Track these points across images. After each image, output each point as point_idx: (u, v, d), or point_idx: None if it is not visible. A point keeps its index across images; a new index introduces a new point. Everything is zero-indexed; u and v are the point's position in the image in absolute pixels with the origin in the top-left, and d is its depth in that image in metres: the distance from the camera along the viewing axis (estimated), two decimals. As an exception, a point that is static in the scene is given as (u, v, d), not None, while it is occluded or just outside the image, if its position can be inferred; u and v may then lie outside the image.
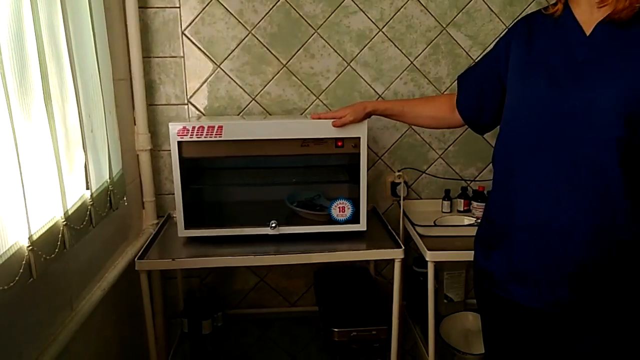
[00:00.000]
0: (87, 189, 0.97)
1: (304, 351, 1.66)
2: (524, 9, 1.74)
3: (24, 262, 0.74)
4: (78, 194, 0.93)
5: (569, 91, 0.93)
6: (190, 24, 1.68)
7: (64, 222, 0.84)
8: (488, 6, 1.74)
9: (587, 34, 0.96)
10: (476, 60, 1.29)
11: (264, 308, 1.90)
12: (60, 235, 0.83)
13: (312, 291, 1.90)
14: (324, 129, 1.43)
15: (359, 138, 1.44)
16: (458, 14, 1.74)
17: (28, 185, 0.75)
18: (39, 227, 0.80)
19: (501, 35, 1.15)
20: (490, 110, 1.15)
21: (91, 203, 0.97)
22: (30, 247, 0.75)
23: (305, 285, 1.91)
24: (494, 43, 1.72)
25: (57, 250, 0.82)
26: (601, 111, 0.90)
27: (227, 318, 1.80)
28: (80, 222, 0.91)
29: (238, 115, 1.76)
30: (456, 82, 1.26)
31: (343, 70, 1.76)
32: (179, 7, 1.66)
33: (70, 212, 0.87)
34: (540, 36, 1.02)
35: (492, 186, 1.11)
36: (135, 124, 1.65)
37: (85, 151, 0.95)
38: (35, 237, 0.76)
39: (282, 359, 1.62)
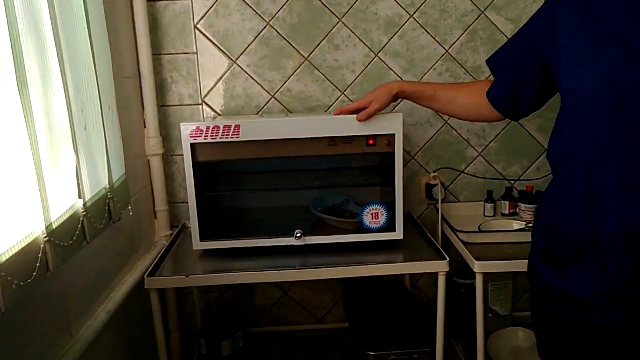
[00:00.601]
0: (80, 197, 0.82)
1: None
2: (572, -12, 1.56)
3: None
4: (67, 203, 0.79)
5: None
6: (204, 17, 1.54)
7: (46, 239, 0.69)
8: (528, -15, 1.56)
9: None
10: (507, 40, 1.08)
11: (289, 325, 1.74)
12: (40, 255, 0.68)
13: (341, 305, 1.73)
14: (352, 126, 1.27)
15: (394, 135, 1.28)
16: (496, -3, 1.57)
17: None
18: (9, 247, 0.64)
19: (539, 7, 0.95)
20: (528, 97, 1.00)
21: (84, 214, 0.82)
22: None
23: (333, 300, 1.75)
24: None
25: (35, 274, 0.67)
26: None
27: (249, 337, 1.64)
28: (69, 237, 0.77)
29: (257, 114, 1.61)
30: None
31: (371, 62, 1.60)
32: (191, 0, 1.53)
33: (55, 226, 0.73)
34: (603, 1, 0.81)
35: (552, 189, 0.91)
36: (145, 127, 1.51)
37: (76, 152, 0.80)
38: (3, 260, 0.61)
39: (311, 383, 1.46)
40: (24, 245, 0.67)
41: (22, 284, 0.64)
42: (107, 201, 0.93)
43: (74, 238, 0.78)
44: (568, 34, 0.84)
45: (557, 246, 0.88)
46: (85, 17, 0.87)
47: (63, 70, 0.77)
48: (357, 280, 1.68)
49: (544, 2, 1.56)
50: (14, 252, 0.64)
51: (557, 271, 0.87)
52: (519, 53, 0.98)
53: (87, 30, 0.87)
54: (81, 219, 0.82)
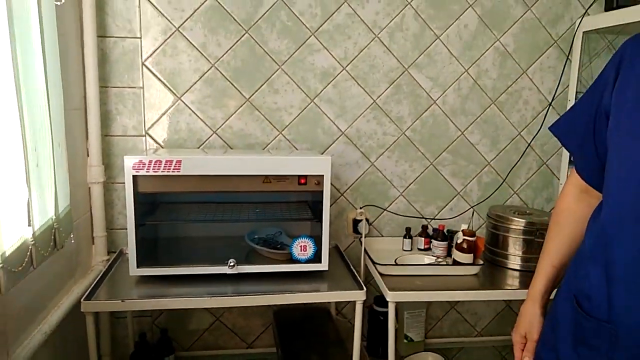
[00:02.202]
0: (29, 225, 0.89)
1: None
2: (482, 54, 1.81)
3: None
4: (18, 233, 0.86)
5: None
6: (151, 55, 1.64)
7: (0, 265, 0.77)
8: (448, 50, 1.79)
9: None
10: (576, 103, 0.96)
11: (220, 350, 1.81)
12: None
13: (271, 331, 1.83)
14: (286, 166, 1.41)
15: (323, 175, 1.43)
16: (419, 56, 1.78)
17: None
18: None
19: (609, 61, 0.86)
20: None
21: (33, 243, 0.89)
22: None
23: (264, 325, 1.85)
24: (454, 84, 1.77)
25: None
26: None
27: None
28: (18, 264, 0.84)
29: (198, 148, 1.71)
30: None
31: (307, 107, 1.76)
32: (140, 38, 1.62)
33: (7, 254, 0.80)
34: None
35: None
36: (88, 155, 1.57)
37: (28, 187, 0.88)
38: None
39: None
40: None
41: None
42: (53, 230, 1.00)
43: (23, 264, 0.85)
44: (625, 92, 0.79)
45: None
46: (43, 63, 0.96)
47: (21, 115, 0.85)
48: (286, 308, 1.79)
49: (463, 73, 1.77)
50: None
51: None
52: (593, 112, 0.88)
53: (44, 75, 0.96)
54: (30, 247, 0.89)
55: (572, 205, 0.98)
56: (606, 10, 1.66)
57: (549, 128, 1.02)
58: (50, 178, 0.98)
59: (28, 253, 0.87)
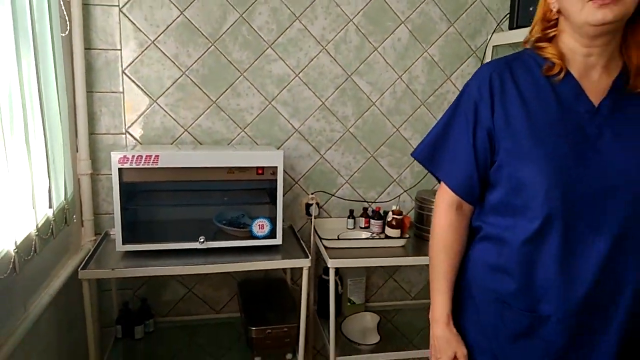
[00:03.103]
0: (50, 207, 1.18)
1: (227, 351, 1.90)
2: (413, 63, 2.15)
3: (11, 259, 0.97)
4: (44, 212, 1.15)
5: (597, 160, 0.93)
6: (130, 64, 1.91)
7: (36, 234, 1.06)
8: (384, 59, 2.13)
9: (595, 103, 0.96)
10: (435, 130, 1.09)
11: (192, 315, 2.12)
12: (33, 242, 1.04)
13: (236, 299, 2.15)
14: (246, 159, 1.72)
15: (276, 167, 1.74)
16: (360, 65, 2.11)
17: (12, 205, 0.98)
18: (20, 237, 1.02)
19: (464, 91, 1.04)
20: (485, 176, 1.03)
21: (53, 219, 1.18)
22: (16, 250, 0.97)
23: (229, 295, 2.16)
24: (389, 88, 2.09)
25: (31, 252, 1.03)
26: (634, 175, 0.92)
27: (158, 325, 2.01)
28: (46, 233, 1.13)
29: (172, 144, 2.00)
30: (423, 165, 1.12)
31: (265, 108, 2.06)
32: (120, 50, 1.89)
33: (39, 226, 1.09)
34: (531, 98, 0.97)
35: None
36: (77, 151, 1.84)
37: (49, 177, 1.17)
38: (18, 242, 0.98)
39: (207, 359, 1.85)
40: (25, 235, 1.04)
41: (26, 258, 1.01)
42: (65, 211, 1.28)
43: (47, 235, 1.14)
44: (510, 123, 0.96)
45: None
46: (56, 88, 1.25)
47: (44, 122, 1.14)
48: (249, 280, 2.11)
49: (397, 79, 2.08)
50: (21, 239, 1.02)
51: None
52: (471, 137, 1.01)
53: (55, 84, 1.24)
54: (51, 222, 1.17)
55: (454, 222, 1.06)
56: (510, 29, 2.02)
57: (411, 155, 1.13)
58: (61, 171, 1.26)
59: (50, 227, 1.15)
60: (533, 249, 0.97)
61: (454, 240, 1.08)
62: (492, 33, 2.15)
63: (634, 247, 0.95)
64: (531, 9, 1.93)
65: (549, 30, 1.00)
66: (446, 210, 1.07)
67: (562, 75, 0.96)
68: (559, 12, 0.97)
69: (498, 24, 2.16)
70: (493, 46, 2.12)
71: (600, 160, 0.94)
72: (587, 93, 0.97)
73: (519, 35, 1.93)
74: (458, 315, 1.10)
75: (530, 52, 1.02)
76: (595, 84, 0.97)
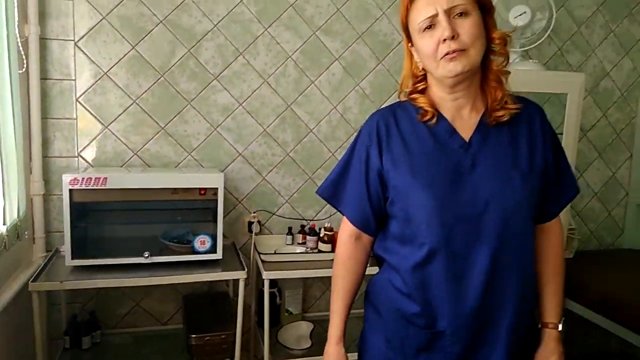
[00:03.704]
0: (4, 224, 1.32)
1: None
2: (346, 95, 2.39)
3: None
4: (-3, 229, 1.30)
5: (469, 191, 1.06)
6: (84, 93, 2.07)
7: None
8: (320, 91, 2.36)
9: (466, 138, 1.10)
10: (336, 170, 1.23)
11: (139, 327, 2.25)
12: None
13: (181, 312, 2.29)
14: (189, 181, 1.90)
15: (217, 188, 1.93)
16: (299, 96, 2.34)
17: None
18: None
19: (359, 136, 1.20)
20: (380, 210, 1.17)
21: (6, 235, 1.33)
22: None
23: (175, 308, 2.30)
24: (325, 117, 2.31)
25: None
26: (513, 206, 1.06)
27: (105, 336, 2.13)
28: (-2, 248, 1.27)
29: (121, 167, 2.15)
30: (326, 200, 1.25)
31: (211, 134, 2.25)
32: (75, 80, 2.05)
33: (-7, 240, 1.24)
34: (412, 139, 1.12)
35: None
36: (31, 173, 1.98)
37: (4, 197, 1.31)
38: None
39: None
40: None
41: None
42: (17, 227, 1.43)
43: (1, 250, 1.28)
44: (395, 163, 1.11)
45: None
46: (12, 112, 1.40)
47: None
48: (194, 293, 2.26)
49: (332, 109, 2.31)
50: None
51: None
52: (364, 176, 1.16)
53: (12, 113, 1.40)
54: (4, 237, 1.32)
55: (353, 252, 1.21)
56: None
57: (316, 192, 1.26)
58: (15, 191, 1.41)
59: (3, 241, 1.29)
60: (425, 273, 1.09)
61: (352, 266, 1.21)
62: (414, 70, 2.42)
63: (511, 263, 1.08)
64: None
65: (419, 84, 1.15)
66: (346, 240, 1.21)
67: (434, 120, 1.11)
68: (424, 69, 1.14)
69: (420, 63, 2.44)
70: (415, 82, 2.39)
71: (474, 187, 1.07)
72: (460, 130, 1.11)
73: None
74: (369, 331, 1.24)
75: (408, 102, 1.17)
76: (466, 122, 1.12)
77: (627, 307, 1.97)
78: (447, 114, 1.13)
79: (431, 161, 1.10)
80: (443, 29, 1.03)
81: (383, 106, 2.42)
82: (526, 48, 2.25)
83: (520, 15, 2.14)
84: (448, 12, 1.04)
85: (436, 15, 1.04)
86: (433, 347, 1.12)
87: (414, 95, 1.16)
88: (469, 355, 1.11)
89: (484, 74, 1.12)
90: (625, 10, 2.70)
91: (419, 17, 1.07)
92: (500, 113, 1.09)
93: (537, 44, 2.23)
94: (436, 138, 1.11)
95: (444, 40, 1.03)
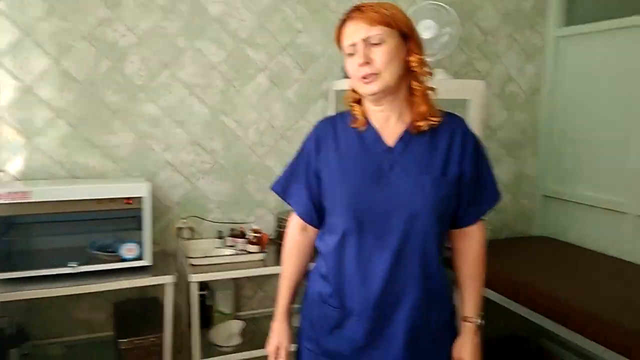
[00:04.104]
0: None
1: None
2: (273, 103, 2.52)
3: None
4: None
5: (385, 190, 1.22)
6: (8, 108, 2.08)
7: None
8: (247, 101, 2.47)
9: (390, 145, 1.26)
10: (287, 169, 1.41)
11: (70, 337, 2.27)
12: None
13: (112, 320, 2.33)
14: (114, 190, 1.96)
15: (142, 197, 2.00)
16: (226, 105, 2.44)
17: None
18: None
19: (307, 139, 1.37)
20: (320, 205, 1.33)
21: None
22: None
23: (106, 316, 2.34)
24: (253, 125, 2.41)
25: None
26: (414, 202, 1.21)
27: (35, 347, 2.14)
28: None
29: (47, 179, 2.17)
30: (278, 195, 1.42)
31: (138, 144, 2.31)
32: (-5, 94, 2.07)
33: None
34: (347, 144, 1.29)
35: None
36: (-50, 188, 1.97)
37: None
38: None
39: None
40: None
41: None
42: None
43: None
44: (329, 162, 1.29)
45: None
46: None
47: None
48: (125, 300, 2.31)
49: (258, 117, 2.42)
50: None
51: None
52: (307, 174, 1.33)
53: None
54: None
55: (299, 242, 1.39)
56: (344, 78, 2.46)
57: (270, 187, 1.43)
58: None
59: None
60: (339, 257, 1.27)
61: (297, 255, 1.40)
62: (333, 80, 2.58)
63: (413, 258, 1.24)
64: (361, 61, 2.38)
65: (356, 96, 1.31)
66: (293, 231, 1.40)
67: (364, 127, 1.29)
68: None
69: (337, 77, 2.60)
70: (335, 90, 2.55)
71: (390, 188, 1.23)
72: (385, 137, 1.27)
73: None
74: (302, 318, 1.39)
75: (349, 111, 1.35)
76: (392, 130, 1.27)
77: (531, 289, 2.19)
78: (375, 122, 1.29)
79: (356, 163, 1.27)
80: (359, 56, 1.20)
81: (308, 113, 2.60)
82: (434, 59, 2.46)
83: (427, 29, 2.33)
84: (365, 41, 1.19)
85: (355, 44, 1.20)
86: (343, 326, 1.29)
87: (352, 105, 1.33)
88: (374, 333, 1.27)
89: (411, 90, 1.27)
90: (527, 22, 2.98)
91: (345, 43, 1.24)
92: (420, 124, 1.24)
93: (443, 55, 2.44)
94: (364, 143, 1.28)
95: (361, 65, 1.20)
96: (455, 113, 1.33)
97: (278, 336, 1.40)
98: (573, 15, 2.94)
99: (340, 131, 1.32)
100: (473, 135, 1.31)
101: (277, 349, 1.40)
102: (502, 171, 3.03)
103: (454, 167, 1.26)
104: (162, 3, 2.27)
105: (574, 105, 2.90)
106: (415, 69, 1.24)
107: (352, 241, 1.25)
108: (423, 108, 1.25)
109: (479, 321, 1.34)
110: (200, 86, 2.38)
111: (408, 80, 1.26)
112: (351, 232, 1.25)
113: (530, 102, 3.06)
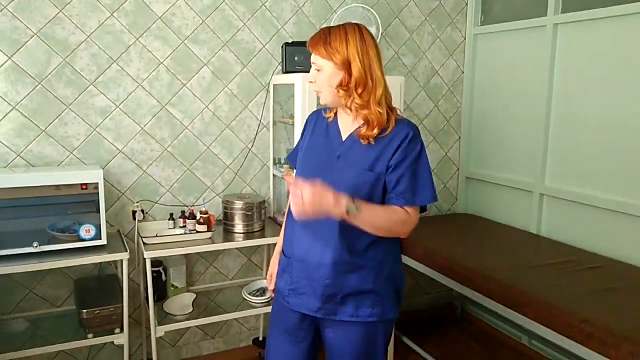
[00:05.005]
0: None
1: (65, 335, 2.30)
2: (217, 95, 2.75)
3: None
4: None
5: (325, 176, 1.46)
6: (-38, 101, 2.23)
7: None
8: (193, 93, 2.70)
9: (343, 139, 1.54)
10: (294, 148, 1.82)
11: (34, 311, 2.47)
12: None
13: (74, 294, 2.55)
14: (71, 177, 2.17)
15: (97, 183, 2.21)
16: (173, 98, 2.66)
17: None
18: None
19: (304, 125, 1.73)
20: None
21: None
22: None
23: (68, 292, 2.55)
24: (199, 115, 2.64)
25: None
26: (345, 187, 1.43)
27: (1, 322, 2.33)
28: None
29: (5, 167, 2.34)
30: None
31: (91, 134, 2.51)
32: (-48, 90, 2.21)
33: None
34: (319, 132, 1.59)
35: None
36: None
37: None
38: None
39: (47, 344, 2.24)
40: None
41: None
42: None
43: None
44: (304, 143, 1.65)
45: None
46: None
47: None
48: (85, 278, 2.53)
49: (204, 109, 2.64)
50: None
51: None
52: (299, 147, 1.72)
53: None
54: None
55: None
56: (283, 73, 2.73)
57: (286, 159, 1.94)
58: None
59: None
60: (292, 221, 1.59)
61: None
62: (273, 74, 2.84)
63: (335, 229, 1.51)
64: (296, 58, 2.65)
65: None
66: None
67: (332, 120, 1.60)
68: None
69: (275, 69, 2.86)
70: (274, 85, 2.81)
71: (337, 172, 1.51)
72: (343, 132, 1.56)
73: (287, 79, 2.64)
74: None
75: None
76: (349, 127, 1.55)
77: (444, 258, 2.56)
78: (341, 119, 1.59)
79: (318, 149, 1.59)
80: (310, 74, 1.55)
81: (250, 104, 2.85)
82: (361, 55, 2.75)
83: (353, 29, 2.62)
84: (314, 64, 1.52)
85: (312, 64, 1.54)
86: (287, 269, 1.64)
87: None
88: (305, 278, 1.58)
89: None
90: (448, 20, 3.32)
91: None
92: (361, 130, 1.51)
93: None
94: (328, 134, 1.60)
95: None
96: (406, 120, 1.56)
97: (271, 268, 1.82)
98: (488, 15, 3.31)
99: (320, 120, 1.63)
100: (414, 141, 1.51)
101: (270, 275, 1.81)
102: (430, 156, 3.35)
103: (383, 163, 1.49)
104: (108, 2, 2.45)
105: (490, 96, 3.30)
106: (348, 91, 1.48)
107: None
108: (369, 117, 1.48)
109: (350, 208, 1.39)
110: (148, 80, 2.59)
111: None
112: None
113: (452, 93, 3.43)
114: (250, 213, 2.62)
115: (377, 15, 2.66)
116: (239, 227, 2.62)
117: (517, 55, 3.08)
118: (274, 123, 2.89)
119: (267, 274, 1.86)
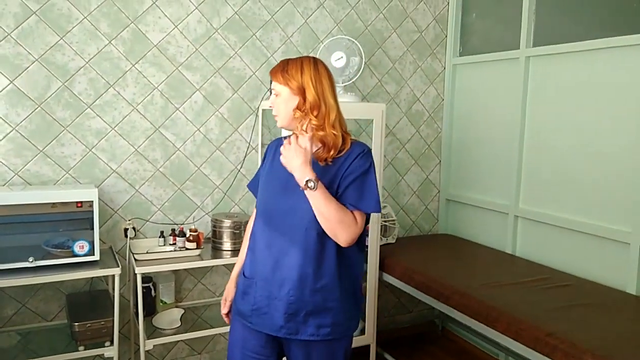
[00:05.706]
0: None
1: (56, 347, 2.37)
2: (208, 119, 2.89)
3: None
4: None
5: (287, 198, 1.60)
6: (-36, 122, 2.35)
7: None
8: (185, 116, 2.83)
9: None
10: (255, 175, 1.92)
11: (26, 325, 2.54)
12: None
13: (65, 308, 2.62)
14: (66, 195, 2.27)
15: (92, 201, 2.32)
16: (166, 121, 2.79)
17: None
18: None
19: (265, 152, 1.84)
20: None
21: None
22: None
23: (59, 307, 2.63)
24: (190, 138, 2.78)
25: None
26: (301, 211, 1.56)
27: (-7, 336, 2.40)
28: None
29: (4, 185, 2.44)
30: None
31: (86, 154, 2.62)
32: (-45, 111, 2.32)
33: None
34: (279, 158, 1.57)
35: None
36: None
37: None
38: None
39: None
40: None
41: None
42: None
43: None
44: (264, 169, 1.77)
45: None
46: None
47: None
48: (77, 293, 2.61)
49: (195, 131, 2.77)
50: None
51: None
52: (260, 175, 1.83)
53: None
54: None
55: (251, 226, 1.82)
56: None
57: (247, 186, 2.03)
58: None
59: None
60: (255, 241, 1.70)
61: (248, 236, 1.82)
62: (262, 100, 2.99)
63: (297, 247, 1.60)
64: (284, 85, 2.81)
65: None
66: (253, 217, 1.81)
67: None
68: None
69: (264, 94, 3.02)
70: (262, 109, 2.96)
71: (297, 194, 1.54)
72: None
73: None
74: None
75: None
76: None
77: (423, 275, 2.68)
78: None
79: (278, 173, 1.64)
80: (270, 99, 1.69)
81: (240, 127, 2.99)
82: (345, 84, 2.92)
83: (338, 59, 2.80)
84: (273, 89, 1.65)
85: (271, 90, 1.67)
86: (249, 290, 1.70)
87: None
88: (267, 299, 1.64)
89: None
90: (429, 51, 3.52)
91: None
92: (320, 151, 1.62)
93: (353, 80, 2.91)
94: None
95: None
96: (361, 142, 1.67)
97: (226, 292, 1.87)
98: (466, 46, 3.51)
99: (280, 147, 1.62)
100: (365, 157, 1.62)
101: (225, 299, 1.87)
102: (411, 178, 3.56)
103: (338, 179, 1.60)
104: (107, 31, 2.60)
105: (468, 122, 3.47)
106: (304, 113, 1.60)
107: (261, 232, 1.69)
108: (324, 140, 1.60)
109: (310, 181, 1.51)
110: (142, 104, 2.72)
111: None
112: (261, 226, 1.69)
113: (433, 119, 3.60)
114: (237, 231, 2.73)
115: (359, 46, 2.84)
116: (227, 244, 2.73)
117: (492, 85, 3.27)
118: (262, 145, 3.03)
119: (223, 297, 1.89)
